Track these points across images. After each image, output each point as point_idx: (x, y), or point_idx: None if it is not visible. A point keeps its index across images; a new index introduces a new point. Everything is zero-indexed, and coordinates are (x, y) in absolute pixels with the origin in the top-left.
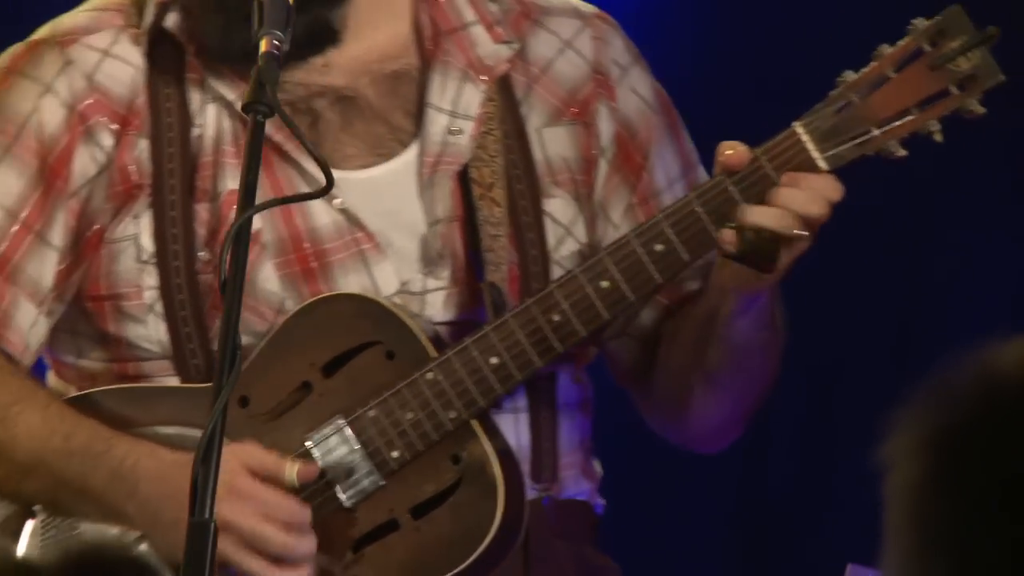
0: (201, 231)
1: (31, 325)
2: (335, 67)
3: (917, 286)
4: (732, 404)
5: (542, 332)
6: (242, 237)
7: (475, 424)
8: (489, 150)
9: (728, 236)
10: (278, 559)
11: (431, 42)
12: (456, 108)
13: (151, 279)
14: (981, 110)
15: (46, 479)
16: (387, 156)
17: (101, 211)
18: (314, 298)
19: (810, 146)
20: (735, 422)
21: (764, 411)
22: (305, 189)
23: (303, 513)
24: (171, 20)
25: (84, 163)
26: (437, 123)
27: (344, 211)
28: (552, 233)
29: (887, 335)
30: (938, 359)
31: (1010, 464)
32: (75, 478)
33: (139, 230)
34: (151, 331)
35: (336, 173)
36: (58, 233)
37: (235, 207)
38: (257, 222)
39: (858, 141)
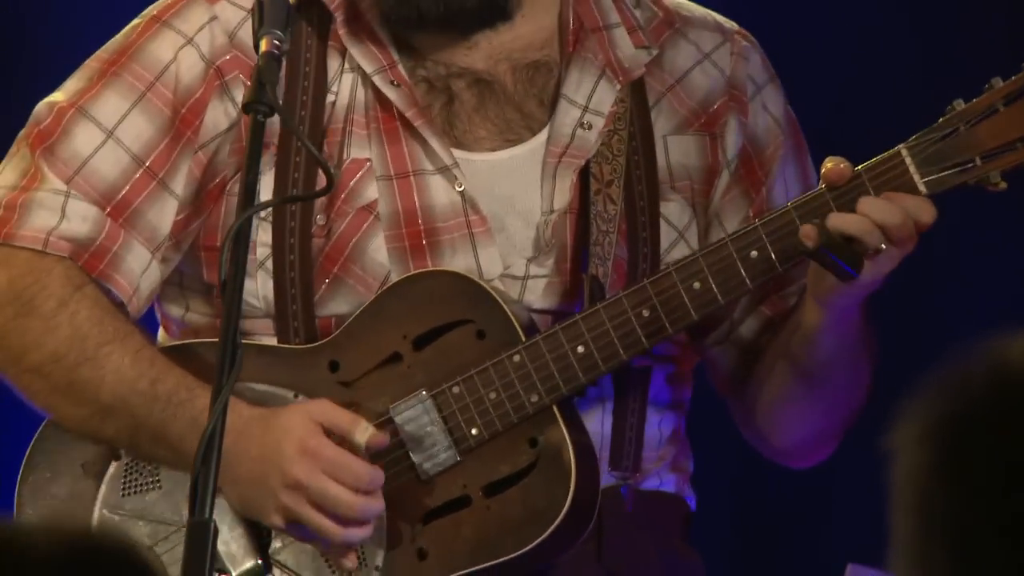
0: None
1: (143, 270)
2: (479, 50)
3: (919, 284)
4: (819, 420)
5: (631, 325)
6: (241, 238)
7: (556, 409)
8: (613, 149)
9: (808, 231)
10: (345, 519)
11: (573, 36)
12: (589, 103)
13: (266, 236)
14: None
15: (127, 420)
16: (515, 141)
17: (226, 164)
18: (411, 273)
19: (912, 169)
20: (824, 438)
21: None
22: (427, 165)
23: (373, 475)
24: None
25: (216, 117)
26: (569, 115)
27: (463, 193)
28: (666, 235)
29: (888, 334)
30: (941, 358)
31: (1013, 454)
32: (156, 424)
33: (260, 187)
34: (259, 287)
35: (463, 154)
36: (181, 182)
37: (359, 175)
38: (374, 193)
39: (960, 169)
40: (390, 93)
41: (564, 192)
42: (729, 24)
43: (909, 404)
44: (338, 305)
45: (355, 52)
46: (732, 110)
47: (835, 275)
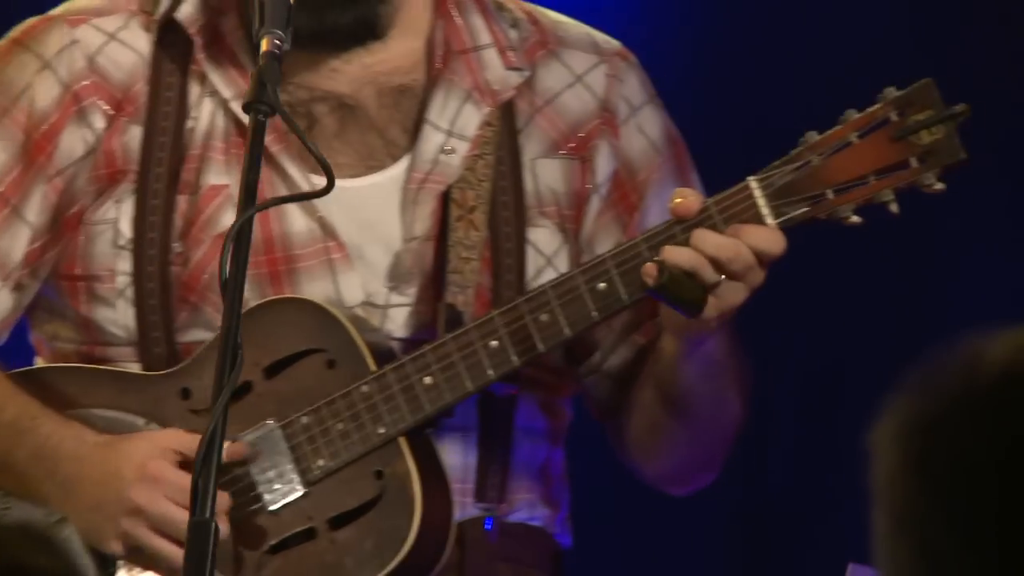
0: (179, 222)
1: None
2: (343, 73)
3: (918, 283)
4: (685, 450)
5: (478, 357)
6: (243, 236)
7: (403, 441)
8: (478, 173)
9: (649, 268)
10: None
11: (440, 60)
12: (453, 127)
13: (125, 264)
14: (939, 186)
15: None
16: (377, 168)
17: (84, 192)
18: (265, 300)
19: (761, 202)
20: (696, 467)
21: (765, 409)
22: (284, 192)
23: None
24: (183, 11)
25: (72, 143)
26: (432, 140)
27: (321, 220)
28: (532, 262)
29: (887, 333)
30: (941, 345)
31: (979, 455)
32: (1, 453)
33: (119, 215)
34: (119, 316)
35: (322, 180)
36: (35, 209)
37: (217, 202)
38: (232, 220)
39: (811, 203)
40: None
41: (424, 219)
42: (608, 44)
43: (886, 404)
44: (200, 332)
45: (214, 77)
46: (604, 133)
47: (678, 310)
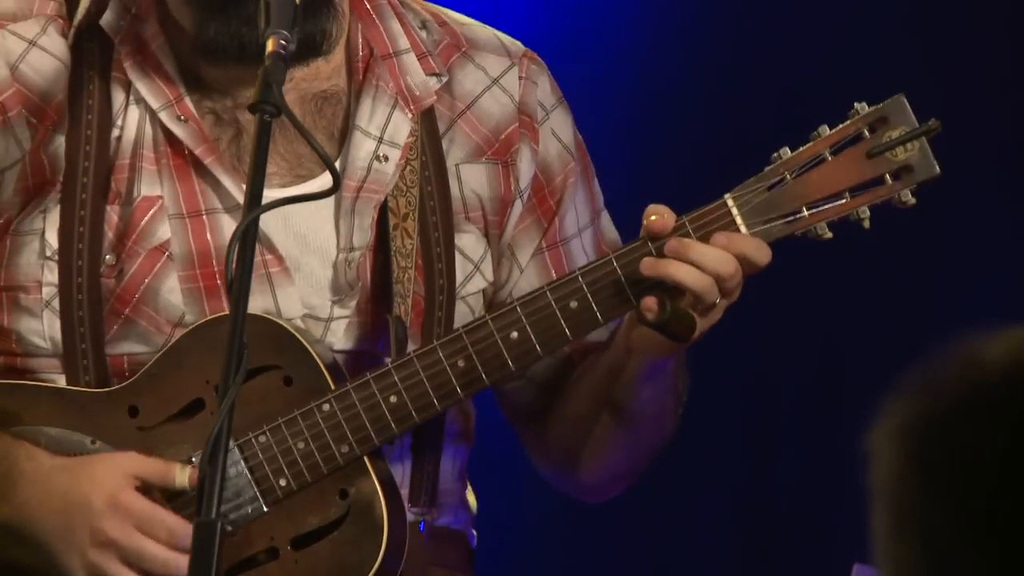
0: (110, 234)
1: None
2: None
3: (926, 282)
4: (621, 461)
5: (446, 376)
6: (248, 237)
7: (367, 460)
8: (407, 180)
9: (650, 303)
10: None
11: (363, 64)
12: (384, 135)
13: (52, 276)
14: (912, 201)
15: None
16: (306, 177)
17: (10, 203)
18: (217, 315)
19: (739, 220)
20: (622, 478)
21: (771, 409)
22: (219, 204)
23: (186, 528)
24: (106, 18)
25: None
26: (363, 148)
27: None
28: (461, 268)
29: (895, 333)
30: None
31: (981, 454)
32: None
33: (45, 226)
34: (44, 327)
35: (280, 193)
36: None
37: (151, 213)
38: (166, 232)
39: (786, 220)
40: (177, 129)
41: (364, 229)
42: (515, 46)
43: (886, 403)
44: (131, 345)
45: (140, 86)
46: (524, 137)
47: (670, 339)
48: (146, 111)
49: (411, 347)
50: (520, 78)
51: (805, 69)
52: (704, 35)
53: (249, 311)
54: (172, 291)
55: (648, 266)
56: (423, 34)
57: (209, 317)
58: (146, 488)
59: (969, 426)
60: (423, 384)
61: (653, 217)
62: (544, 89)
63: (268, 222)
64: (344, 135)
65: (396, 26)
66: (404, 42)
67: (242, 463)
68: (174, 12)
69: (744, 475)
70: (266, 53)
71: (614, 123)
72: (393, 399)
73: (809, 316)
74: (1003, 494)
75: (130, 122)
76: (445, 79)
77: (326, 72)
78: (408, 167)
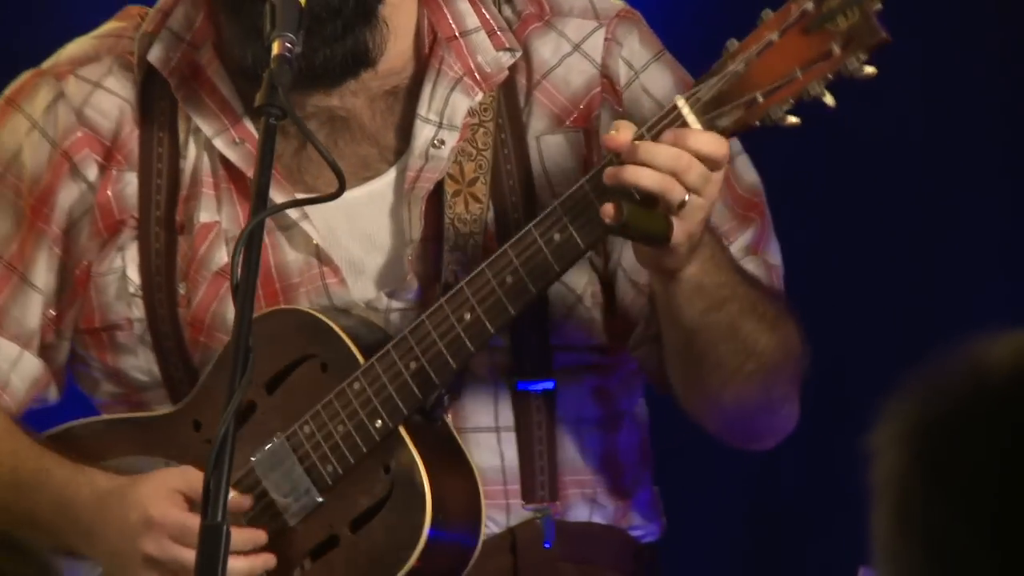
0: (181, 264)
1: (12, 364)
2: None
3: (929, 284)
4: (730, 392)
5: (455, 331)
6: (254, 240)
7: (403, 431)
8: (477, 144)
9: (607, 209)
10: None
11: (429, 50)
12: (442, 118)
13: (139, 312)
14: (867, 71)
15: (2, 513)
16: (371, 177)
17: (87, 248)
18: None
19: (691, 118)
20: (753, 412)
21: None
22: (271, 223)
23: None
24: (154, 53)
25: (69, 201)
26: (423, 136)
27: (316, 246)
28: None
29: (899, 336)
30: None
31: (987, 456)
32: (24, 512)
33: (125, 263)
34: (142, 362)
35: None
36: (42, 274)
37: (209, 239)
38: (224, 256)
39: (742, 109)
40: (231, 154)
41: (418, 218)
42: (609, 5)
43: (890, 404)
44: None
45: (194, 115)
46: (605, 101)
47: (647, 244)
48: (201, 140)
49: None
50: (605, 40)
51: None
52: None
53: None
54: None
55: (609, 175)
56: (506, 9)
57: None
58: (190, 500)
59: (973, 427)
60: (436, 344)
61: (612, 132)
62: (632, 47)
63: (331, 232)
64: (412, 126)
65: (464, 6)
66: (473, 21)
67: (293, 456)
68: (224, 36)
69: (751, 478)
70: (272, 56)
71: None
72: (413, 365)
73: (813, 319)
74: (1006, 495)
75: (191, 152)
76: (519, 53)
77: (398, 66)
78: (482, 129)
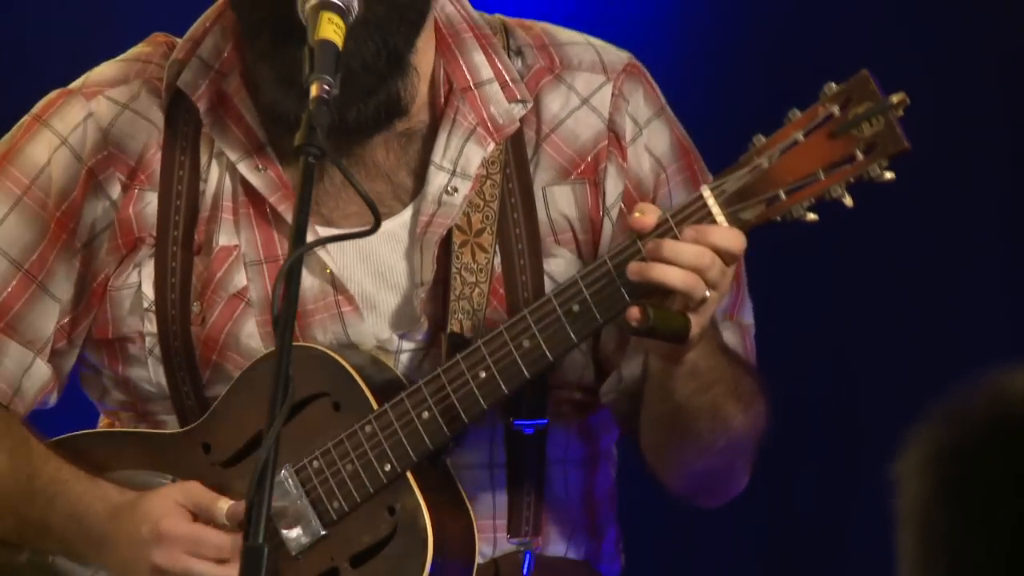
0: (196, 284)
1: (24, 371)
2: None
3: (943, 302)
4: (700, 462)
5: (469, 387)
6: (294, 274)
7: (410, 476)
8: (485, 196)
9: (634, 313)
10: None
11: (444, 99)
12: (456, 167)
13: (151, 326)
14: (887, 176)
15: (11, 519)
16: (387, 215)
17: (106, 262)
18: (271, 349)
19: (715, 209)
20: (715, 480)
21: (791, 435)
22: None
23: (234, 543)
24: (184, 78)
25: (93, 217)
26: (435, 182)
27: (331, 274)
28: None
29: (913, 353)
30: (965, 377)
31: (1008, 481)
32: (37, 519)
33: (141, 279)
34: (150, 374)
35: (331, 232)
36: (61, 285)
37: (228, 262)
38: (243, 280)
39: (765, 205)
40: (254, 179)
41: (431, 262)
42: (616, 58)
43: (914, 433)
44: (224, 387)
45: (219, 140)
46: (612, 155)
47: (669, 342)
48: (227, 164)
49: None
50: (612, 95)
51: (830, 74)
52: (730, 37)
53: (308, 343)
54: (251, 336)
55: (634, 271)
56: (517, 61)
57: (265, 352)
58: (197, 515)
59: (997, 454)
60: (450, 397)
61: (637, 214)
62: (637, 103)
63: (346, 264)
64: (425, 170)
65: (479, 57)
66: (487, 72)
67: (300, 489)
68: (252, 69)
69: (765, 501)
70: (310, 97)
71: None
72: (425, 415)
73: (829, 345)
74: None
75: (213, 176)
76: (530, 105)
77: (414, 111)
78: (488, 181)
